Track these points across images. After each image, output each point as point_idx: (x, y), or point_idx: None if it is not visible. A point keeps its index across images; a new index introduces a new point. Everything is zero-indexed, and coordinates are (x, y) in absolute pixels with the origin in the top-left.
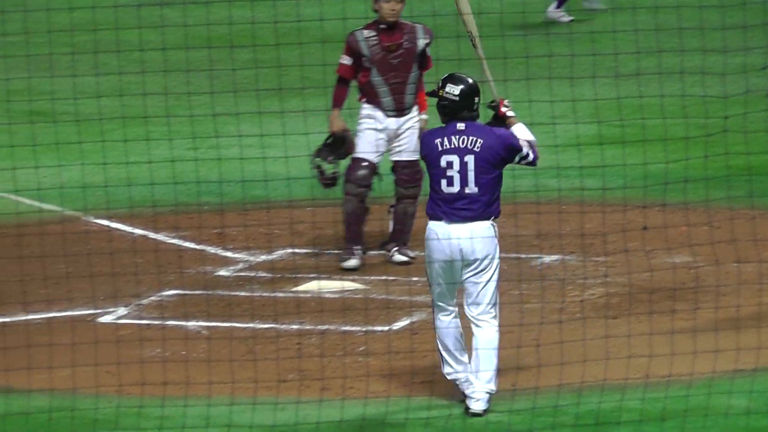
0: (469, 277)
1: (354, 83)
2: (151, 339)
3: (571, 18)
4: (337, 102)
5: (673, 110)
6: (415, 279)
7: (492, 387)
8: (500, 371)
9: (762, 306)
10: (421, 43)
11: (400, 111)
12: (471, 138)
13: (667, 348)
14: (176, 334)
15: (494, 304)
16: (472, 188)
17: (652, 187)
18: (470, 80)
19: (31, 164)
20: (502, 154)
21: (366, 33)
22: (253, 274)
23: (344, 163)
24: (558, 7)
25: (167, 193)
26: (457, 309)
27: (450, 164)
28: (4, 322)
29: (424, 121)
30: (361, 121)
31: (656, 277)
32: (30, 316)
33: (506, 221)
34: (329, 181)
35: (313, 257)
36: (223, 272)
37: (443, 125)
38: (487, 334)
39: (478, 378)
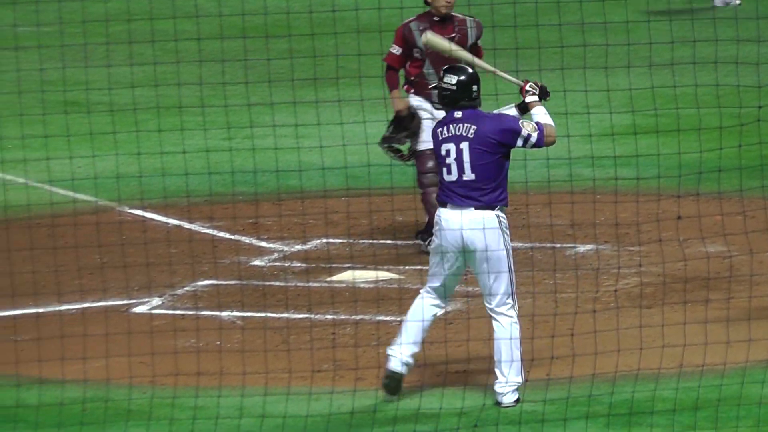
0: (477, 268)
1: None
2: (185, 329)
3: (739, 2)
4: (393, 84)
5: (707, 100)
6: None
7: (518, 379)
8: (534, 361)
9: None
10: (472, 35)
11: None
12: (466, 125)
13: (701, 337)
14: (210, 324)
15: (510, 294)
16: (468, 175)
17: (686, 177)
18: (469, 70)
19: (65, 155)
20: (497, 138)
21: (420, 24)
22: (287, 264)
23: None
24: None
25: (202, 183)
26: (444, 304)
27: (448, 152)
28: (38, 313)
29: None
30: (414, 111)
31: (690, 266)
32: (64, 307)
33: (541, 211)
34: (409, 158)
35: (347, 247)
36: (257, 262)
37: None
38: (504, 326)
39: (502, 372)
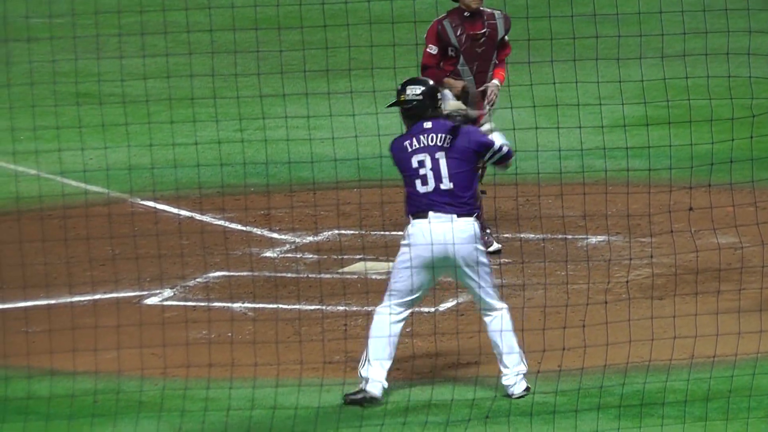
0: (461, 275)
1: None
2: (196, 321)
3: None
4: (441, 75)
5: (719, 91)
6: None
7: (521, 368)
8: (545, 352)
9: None
10: (501, 30)
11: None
12: (440, 135)
13: (713, 328)
14: (222, 315)
15: (495, 288)
16: (447, 184)
17: (697, 168)
18: (429, 81)
19: (77, 146)
20: (473, 147)
21: (452, 22)
22: (299, 256)
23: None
24: None
25: (214, 175)
26: (408, 314)
27: (422, 163)
28: (49, 304)
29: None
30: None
31: (702, 257)
32: (76, 298)
33: (553, 202)
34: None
35: (359, 238)
36: (269, 254)
37: (408, 130)
38: (497, 319)
39: (505, 364)
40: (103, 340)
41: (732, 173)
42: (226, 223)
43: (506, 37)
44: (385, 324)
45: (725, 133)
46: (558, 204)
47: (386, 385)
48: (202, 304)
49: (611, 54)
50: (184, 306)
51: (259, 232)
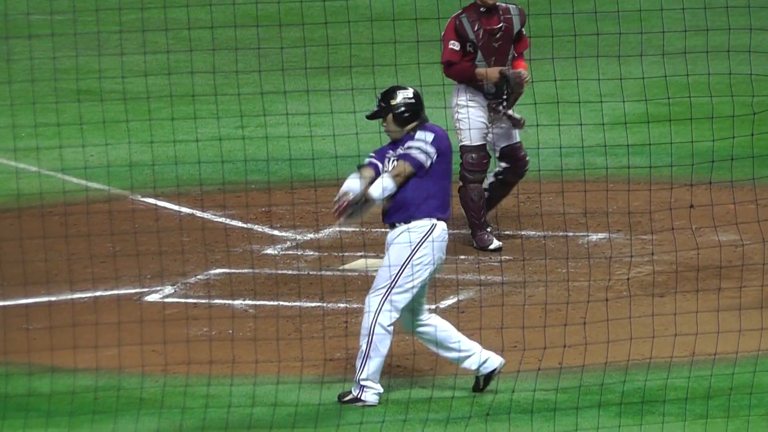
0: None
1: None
2: (197, 318)
3: None
4: (470, 67)
5: (720, 88)
6: (462, 257)
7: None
8: (546, 349)
9: None
10: (517, 24)
11: (499, 96)
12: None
13: (713, 326)
14: (223, 312)
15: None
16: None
17: (698, 165)
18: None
19: (78, 143)
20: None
21: (469, 17)
22: (300, 253)
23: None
24: None
25: (214, 172)
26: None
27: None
28: (50, 301)
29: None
30: (462, 105)
31: (703, 255)
32: (76, 295)
33: (554, 199)
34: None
35: (360, 236)
36: (270, 251)
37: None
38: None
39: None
40: (104, 337)
41: (733, 170)
42: (227, 220)
43: (523, 30)
44: (389, 341)
45: (726, 131)
46: (559, 201)
47: (382, 390)
48: (203, 301)
49: (612, 51)
50: (185, 303)
51: (260, 229)
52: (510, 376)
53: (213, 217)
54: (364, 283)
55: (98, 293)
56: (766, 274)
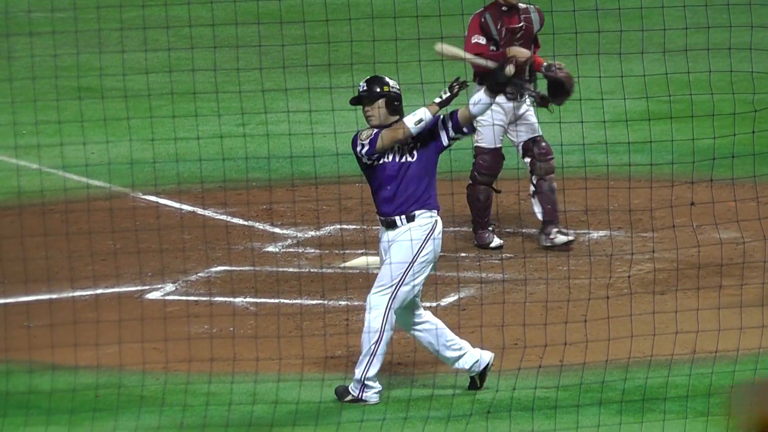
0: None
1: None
2: (198, 315)
3: None
4: (498, 53)
5: (721, 86)
6: (463, 255)
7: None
8: (547, 347)
9: None
10: (537, 23)
11: (520, 95)
12: None
13: (714, 323)
14: (224, 310)
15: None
16: None
17: (699, 163)
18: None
19: (79, 140)
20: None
21: (491, 15)
22: (300, 250)
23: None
24: None
25: (215, 169)
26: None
27: None
28: (51, 299)
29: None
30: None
31: (703, 252)
32: (77, 293)
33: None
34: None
35: (361, 233)
36: (271, 248)
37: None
38: (430, 317)
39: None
40: (105, 335)
41: (734, 168)
42: (228, 218)
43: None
44: (390, 340)
45: (727, 128)
46: (560, 199)
47: (382, 389)
48: (204, 298)
49: (613, 49)
50: (186, 300)
51: (261, 227)
52: (511, 373)
53: (214, 214)
54: (365, 280)
55: (99, 291)
56: (767, 272)
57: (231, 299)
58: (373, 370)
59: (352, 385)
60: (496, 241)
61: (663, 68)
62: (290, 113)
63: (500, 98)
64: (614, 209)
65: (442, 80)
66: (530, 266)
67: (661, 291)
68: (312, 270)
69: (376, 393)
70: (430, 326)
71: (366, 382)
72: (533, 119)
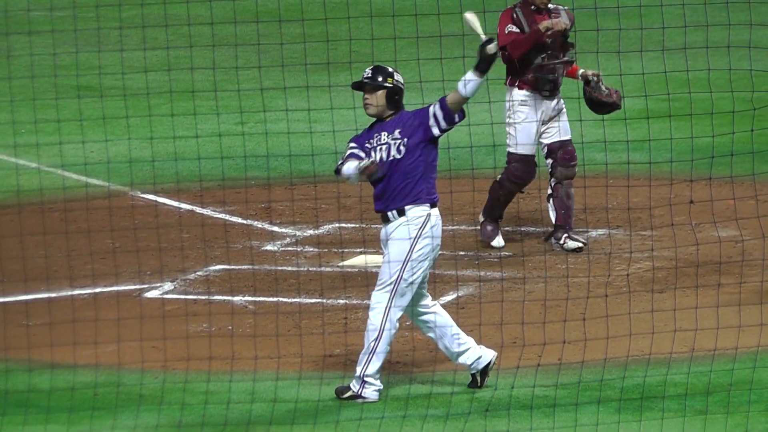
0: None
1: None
2: (197, 314)
3: None
4: (531, 35)
5: (720, 84)
6: (461, 253)
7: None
8: (545, 345)
9: None
10: (568, 24)
11: (555, 91)
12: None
13: (713, 322)
14: (222, 309)
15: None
16: None
17: (698, 161)
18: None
19: (78, 139)
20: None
21: (523, 12)
22: (299, 249)
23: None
24: None
25: (214, 168)
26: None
27: None
28: (50, 297)
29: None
30: (516, 108)
31: (702, 250)
32: (76, 292)
33: None
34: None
35: (359, 232)
36: (269, 247)
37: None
38: (439, 309)
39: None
40: (104, 333)
41: (732, 166)
42: (227, 216)
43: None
44: (393, 337)
45: (726, 126)
46: None
47: (382, 387)
48: (203, 297)
49: (612, 47)
50: (185, 299)
51: (259, 226)
52: (509, 372)
53: (213, 213)
54: (363, 279)
55: (98, 289)
56: (765, 270)
57: (230, 298)
58: (373, 368)
59: (353, 381)
60: (499, 241)
61: (662, 66)
62: (289, 112)
63: (535, 98)
64: (613, 207)
65: (441, 79)
66: (529, 265)
67: (660, 289)
68: (311, 269)
69: (375, 391)
70: (438, 318)
71: (366, 379)
72: (566, 122)
